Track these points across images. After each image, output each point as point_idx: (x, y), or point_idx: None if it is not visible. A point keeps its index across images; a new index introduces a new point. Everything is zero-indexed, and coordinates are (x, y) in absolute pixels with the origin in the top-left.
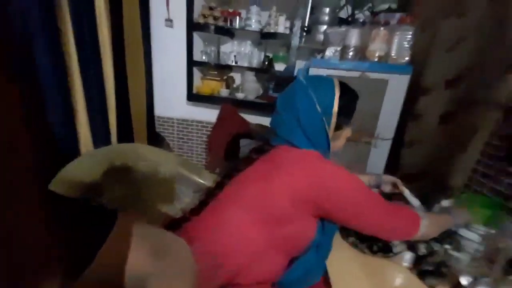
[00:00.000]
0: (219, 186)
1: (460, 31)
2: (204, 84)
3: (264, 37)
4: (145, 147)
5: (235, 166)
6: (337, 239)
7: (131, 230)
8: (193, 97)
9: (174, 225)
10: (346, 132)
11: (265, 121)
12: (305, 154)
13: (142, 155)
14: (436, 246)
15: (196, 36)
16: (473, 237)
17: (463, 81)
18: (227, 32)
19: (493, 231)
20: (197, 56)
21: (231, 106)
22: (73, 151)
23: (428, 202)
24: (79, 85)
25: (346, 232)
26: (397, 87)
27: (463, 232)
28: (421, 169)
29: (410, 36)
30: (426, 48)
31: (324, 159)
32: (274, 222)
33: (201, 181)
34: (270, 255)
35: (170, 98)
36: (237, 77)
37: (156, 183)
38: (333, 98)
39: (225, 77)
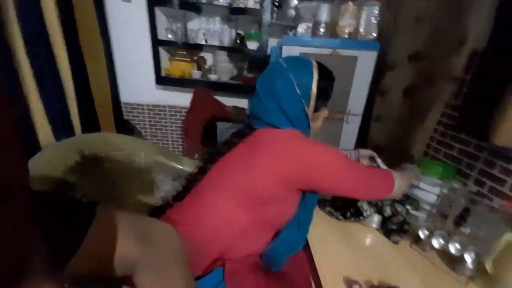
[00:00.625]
0: (202, 171)
1: (423, 7)
2: (173, 66)
3: (234, 12)
4: (115, 135)
5: (217, 150)
6: (315, 210)
7: (113, 220)
8: (162, 80)
9: (157, 212)
10: (324, 112)
11: (240, 102)
12: (286, 134)
13: (113, 144)
14: (399, 207)
15: (158, 12)
16: (428, 196)
17: (423, 57)
18: (193, 7)
19: (445, 190)
20: (162, 34)
21: (204, 89)
22: (32, 143)
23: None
24: (28, 69)
25: (322, 203)
26: (365, 63)
27: (421, 192)
28: (387, 141)
29: (377, 12)
30: (391, 25)
31: (304, 137)
32: (260, 203)
33: (181, 167)
34: (257, 232)
35: (137, 83)
36: (208, 57)
37: (132, 173)
38: (312, 81)
39: (195, 58)
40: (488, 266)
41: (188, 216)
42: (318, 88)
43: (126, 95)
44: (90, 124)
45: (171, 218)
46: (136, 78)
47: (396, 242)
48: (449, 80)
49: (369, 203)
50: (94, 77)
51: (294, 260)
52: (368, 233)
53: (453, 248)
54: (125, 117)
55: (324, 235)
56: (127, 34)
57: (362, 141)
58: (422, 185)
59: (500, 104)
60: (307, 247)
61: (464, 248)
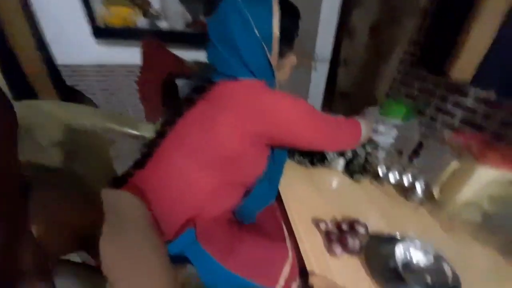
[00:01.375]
0: (161, 134)
1: None
2: (112, 13)
3: None
4: (46, 102)
5: (176, 110)
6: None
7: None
8: (101, 32)
9: (118, 181)
10: (291, 59)
11: (200, 56)
12: (249, 87)
13: (52, 114)
14: (359, 149)
15: None
16: (387, 137)
17: None
18: None
19: (400, 126)
20: None
21: (154, 41)
22: None
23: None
24: None
25: (291, 153)
26: (331, 1)
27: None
28: (354, 86)
29: None
30: None
31: (268, 89)
32: (226, 161)
33: (139, 133)
34: (227, 191)
35: (70, 38)
36: (154, 0)
37: (86, 147)
38: (272, 19)
39: (138, 2)
40: (436, 192)
41: (152, 182)
42: (281, 28)
43: (62, 55)
44: (22, 89)
45: (134, 186)
46: (68, 32)
47: (358, 181)
48: (414, 12)
49: None
50: (15, 38)
51: (266, 209)
52: (334, 176)
53: (406, 180)
54: (68, 83)
55: (294, 182)
56: None
57: (329, 87)
58: (381, 127)
59: (458, 40)
60: (277, 194)
61: (415, 179)
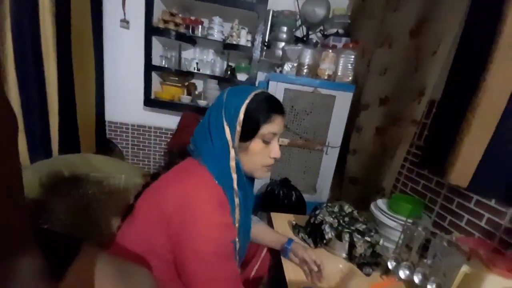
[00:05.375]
0: (137, 196)
1: (389, 59)
2: (164, 90)
3: (227, 47)
4: (96, 157)
5: (156, 175)
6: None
7: (93, 260)
8: (151, 102)
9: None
10: (257, 145)
11: None
12: (190, 182)
13: (92, 165)
14: (356, 238)
15: (155, 40)
16: (393, 225)
17: (391, 101)
18: (189, 39)
19: (410, 222)
20: (156, 60)
21: (192, 113)
22: None
23: (367, 202)
24: (14, 83)
25: (296, 229)
26: (342, 102)
27: (388, 222)
28: (361, 173)
29: (352, 59)
30: (365, 71)
31: (209, 200)
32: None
33: None
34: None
35: (125, 103)
36: (199, 84)
37: (110, 196)
38: (242, 103)
39: (186, 84)
40: None
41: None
42: (247, 112)
43: (112, 114)
44: (71, 139)
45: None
46: (125, 98)
47: (368, 274)
48: (412, 123)
49: (330, 226)
50: (81, 95)
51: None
52: (339, 263)
53: (417, 279)
54: (107, 136)
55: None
56: (121, 57)
57: (339, 171)
58: (390, 222)
59: (452, 149)
60: (281, 271)
61: (426, 279)
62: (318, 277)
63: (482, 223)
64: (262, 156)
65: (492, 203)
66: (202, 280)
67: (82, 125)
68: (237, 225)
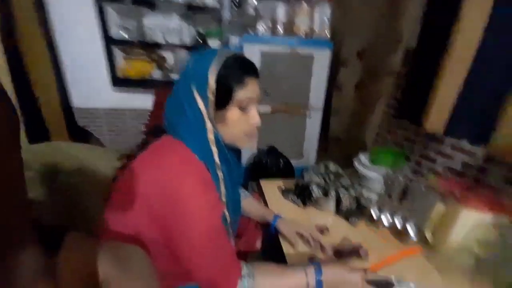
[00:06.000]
0: (114, 179)
1: (365, 11)
2: (131, 66)
3: (192, 10)
4: (67, 144)
5: (132, 155)
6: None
7: (83, 249)
8: (119, 82)
9: None
10: (234, 113)
11: None
12: (169, 160)
13: (64, 153)
14: (342, 193)
15: (109, 9)
16: (376, 177)
17: (368, 53)
18: (147, 3)
19: (390, 172)
20: (115, 32)
21: (165, 90)
22: None
23: (350, 159)
24: None
25: (287, 192)
26: (321, 62)
27: (370, 174)
28: (344, 132)
29: (329, 12)
30: (342, 25)
31: (192, 173)
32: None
33: None
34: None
35: (91, 86)
36: (169, 57)
37: (94, 183)
38: (209, 70)
39: (155, 57)
40: (428, 235)
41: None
42: (217, 78)
43: (80, 100)
44: (38, 132)
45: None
46: (89, 81)
47: (354, 224)
48: (390, 74)
49: (317, 185)
50: (37, 80)
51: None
52: (329, 217)
53: (398, 223)
54: (80, 124)
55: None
56: (74, 31)
57: (324, 134)
58: (372, 174)
59: (428, 96)
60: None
61: (406, 220)
62: (316, 245)
63: (457, 166)
64: (242, 124)
65: (466, 144)
66: (200, 262)
67: (47, 113)
68: (224, 199)
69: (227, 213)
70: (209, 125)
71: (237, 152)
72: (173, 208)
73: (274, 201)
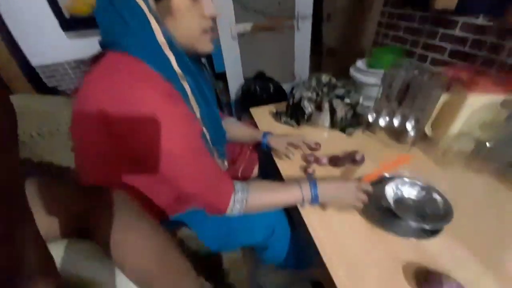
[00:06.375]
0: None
1: None
2: (76, 0)
3: None
4: (27, 96)
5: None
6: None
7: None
8: (69, 24)
9: None
10: (181, 0)
11: None
12: (116, 78)
13: (29, 107)
14: (336, 103)
15: None
16: (373, 81)
17: None
18: None
19: (387, 72)
20: None
21: None
22: None
23: (347, 72)
24: None
25: (279, 114)
26: None
27: (367, 80)
28: (340, 41)
29: None
30: None
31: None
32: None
33: None
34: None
35: (40, 37)
36: None
37: (52, 133)
38: None
39: None
40: (427, 129)
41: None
42: None
43: (37, 57)
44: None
45: None
46: (36, 30)
47: (350, 134)
48: None
49: (309, 100)
50: None
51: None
52: (324, 132)
53: (396, 121)
54: (50, 86)
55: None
56: None
57: (316, 46)
58: (370, 79)
59: None
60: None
61: (405, 119)
62: (310, 147)
63: (467, 48)
64: (194, 16)
65: (479, 20)
66: (184, 181)
67: (10, 81)
68: (198, 116)
69: (205, 130)
70: (154, 24)
71: (201, 65)
72: (143, 126)
73: (267, 127)
